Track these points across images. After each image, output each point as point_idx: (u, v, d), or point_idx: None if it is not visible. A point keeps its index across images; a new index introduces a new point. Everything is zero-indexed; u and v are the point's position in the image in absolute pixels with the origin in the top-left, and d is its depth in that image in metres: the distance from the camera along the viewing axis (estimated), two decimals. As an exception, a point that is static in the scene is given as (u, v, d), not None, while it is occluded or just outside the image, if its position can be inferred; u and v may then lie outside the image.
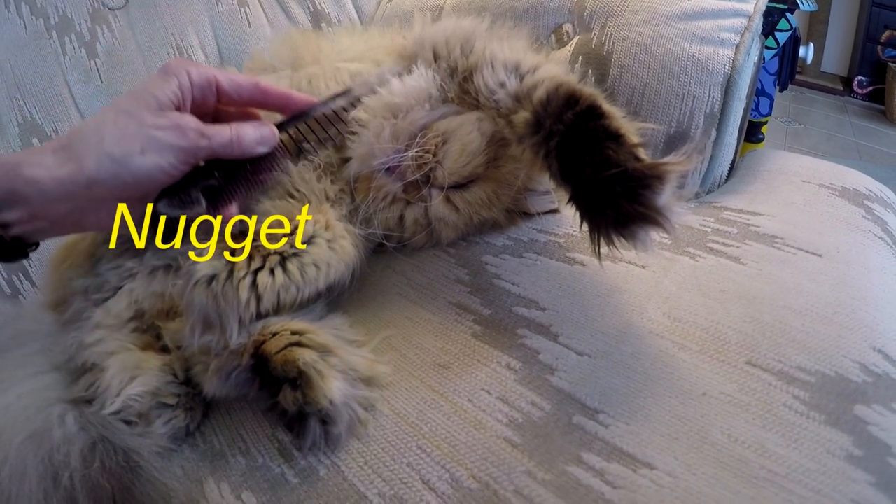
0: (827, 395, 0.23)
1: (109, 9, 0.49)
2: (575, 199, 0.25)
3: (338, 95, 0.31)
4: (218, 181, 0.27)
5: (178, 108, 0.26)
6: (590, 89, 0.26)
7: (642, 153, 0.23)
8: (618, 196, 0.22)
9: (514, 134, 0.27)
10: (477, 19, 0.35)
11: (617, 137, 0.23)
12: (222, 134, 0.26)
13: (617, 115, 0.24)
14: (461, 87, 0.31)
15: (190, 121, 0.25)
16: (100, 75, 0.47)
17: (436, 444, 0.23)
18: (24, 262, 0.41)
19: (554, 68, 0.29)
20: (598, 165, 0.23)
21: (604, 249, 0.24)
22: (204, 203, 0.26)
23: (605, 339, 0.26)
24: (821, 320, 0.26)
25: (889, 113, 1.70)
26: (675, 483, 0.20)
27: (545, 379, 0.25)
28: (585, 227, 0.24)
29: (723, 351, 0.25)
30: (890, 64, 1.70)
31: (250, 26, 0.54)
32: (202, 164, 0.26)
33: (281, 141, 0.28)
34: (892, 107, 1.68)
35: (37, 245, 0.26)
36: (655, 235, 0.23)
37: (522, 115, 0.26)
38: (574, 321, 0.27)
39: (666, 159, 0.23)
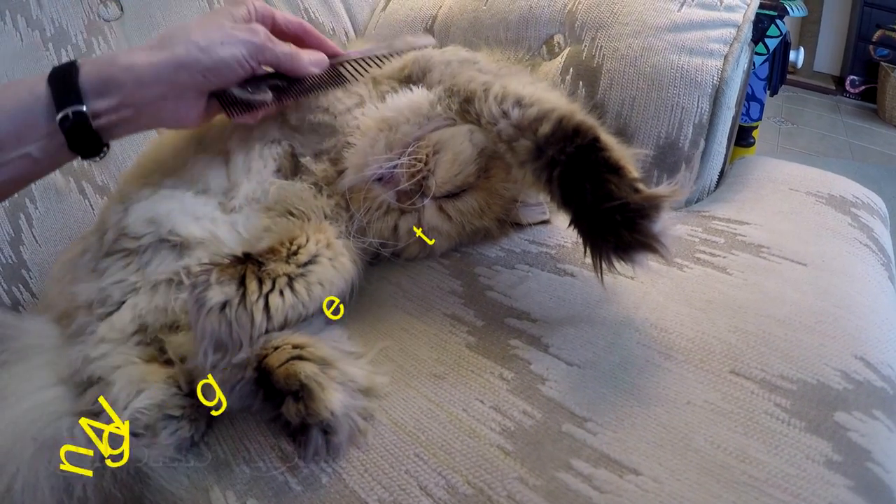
0: (808, 403, 0.24)
1: (105, 20, 0.49)
2: (576, 224, 0.26)
3: (375, 48, 0.37)
4: (282, 82, 0.32)
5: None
6: (591, 120, 0.27)
7: (641, 185, 0.25)
8: (618, 225, 0.24)
9: (516, 159, 0.28)
10: (477, 52, 0.38)
11: (617, 170, 0.25)
12: (283, 45, 0.31)
13: (616, 147, 0.26)
14: (462, 107, 0.32)
15: (260, 27, 0.30)
16: (97, 86, 0.47)
17: (432, 451, 0.24)
18: (24, 273, 0.42)
19: (555, 99, 0.29)
20: (599, 197, 0.24)
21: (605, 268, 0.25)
22: (270, 94, 0.31)
23: (594, 349, 0.27)
24: (804, 329, 0.27)
25: (881, 112, 1.72)
26: (659, 488, 0.21)
27: (536, 389, 0.26)
28: (588, 249, 0.26)
29: (707, 360, 0.26)
30: (882, 63, 1.72)
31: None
32: (269, 71, 0.32)
33: (332, 67, 0.34)
34: (884, 106, 1.70)
35: (107, 147, 0.29)
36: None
37: (524, 143, 0.27)
38: (564, 332, 0.28)
39: (661, 190, 0.24)
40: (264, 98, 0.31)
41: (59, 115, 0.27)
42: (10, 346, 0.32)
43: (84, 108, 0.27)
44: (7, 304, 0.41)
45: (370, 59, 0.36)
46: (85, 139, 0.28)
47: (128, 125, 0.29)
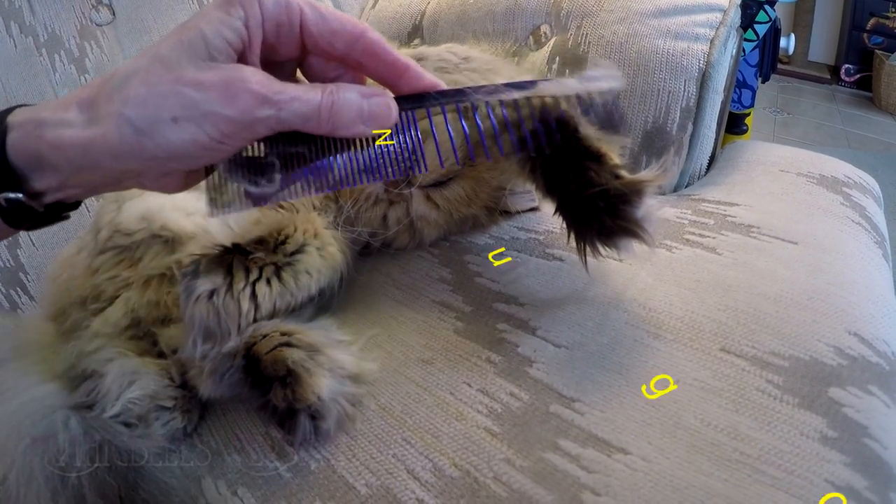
0: (801, 379, 0.23)
1: (97, 25, 0.50)
2: (561, 211, 0.27)
3: (508, 85, 0.21)
4: (308, 150, 0.19)
5: (242, 53, 0.18)
6: (573, 111, 0.27)
7: (622, 171, 0.25)
8: (600, 211, 0.24)
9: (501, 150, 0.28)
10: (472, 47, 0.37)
11: (598, 157, 0.25)
12: (304, 98, 0.17)
13: (595, 136, 0.26)
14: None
15: (248, 78, 0.17)
16: (90, 90, 0.48)
17: (420, 435, 0.24)
18: (22, 276, 0.43)
19: None
20: (581, 184, 0.25)
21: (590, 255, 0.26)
22: (277, 182, 0.18)
23: (582, 330, 0.27)
24: (795, 306, 0.27)
25: (877, 100, 1.71)
26: (648, 467, 0.21)
27: (524, 371, 0.26)
28: (572, 236, 0.26)
29: (697, 339, 0.26)
30: (876, 51, 1.71)
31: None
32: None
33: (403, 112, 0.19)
34: (879, 94, 1.69)
35: (77, 204, 0.21)
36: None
37: (506, 137, 0.27)
38: (552, 315, 0.28)
39: (643, 175, 0.25)
40: (264, 192, 0.19)
41: None
42: (6, 344, 0.32)
43: (20, 197, 0.18)
44: (6, 308, 0.41)
45: (500, 101, 0.21)
46: (32, 216, 0.20)
47: (88, 195, 0.21)
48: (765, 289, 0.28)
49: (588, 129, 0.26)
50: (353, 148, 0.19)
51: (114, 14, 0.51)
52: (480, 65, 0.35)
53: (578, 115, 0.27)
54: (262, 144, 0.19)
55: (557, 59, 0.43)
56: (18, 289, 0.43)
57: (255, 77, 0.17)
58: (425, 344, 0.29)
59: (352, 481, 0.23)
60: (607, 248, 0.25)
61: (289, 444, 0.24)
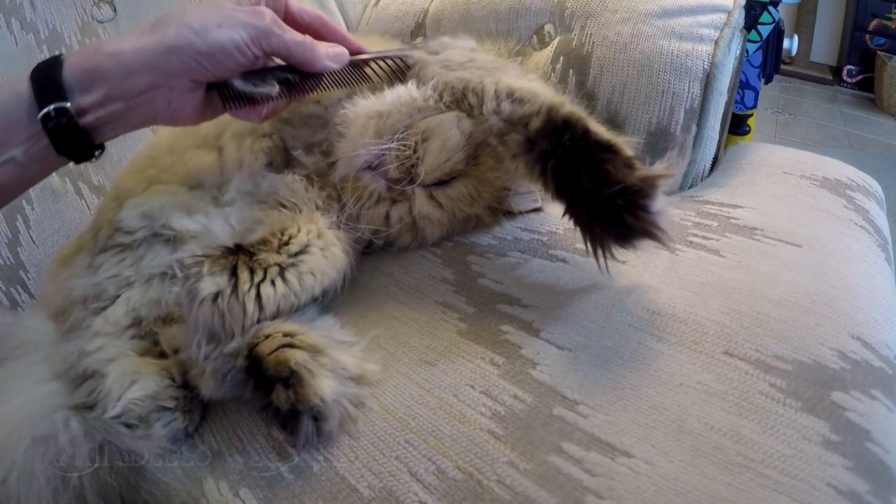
0: (804, 383, 0.23)
1: (98, 21, 0.50)
2: (572, 213, 0.26)
3: (400, 49, 0.34)
4: (293, 76, 0.28)
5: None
6: (580, 111, 0.27)
7: (636, 162, 0.25)
8: (619, 209, 0.24)
9: (508, 152, 0.28)
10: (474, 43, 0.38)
11: (610, 148, 0.25)
12: (295, 33, 0.27)
13: (606, 133, 0.26)
14: (455, 101, 0.32)
15: (267, 10, 0.27)
16: (91, 87, 0.48)
17: (422, 437, 0.24)
18: (22, 273, 0.43)
19: (544, 92, 0.29)
20: (597, 183, 0.24)
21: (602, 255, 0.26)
22: (276, 87, 0.27)
23: (586, 332, 0.27)
24: (799, 309, 0.27)
25: (879, 101, 1.71)
26: (651, 470, 0.21)
27: (527, 373, 0.26)
28: (587, 238, 0.26)
29: (700, 342, 0.26)
30: (878, 52, 1.71)
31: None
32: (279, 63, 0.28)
33: (351, 65, 0.30)
34: (881, 95, 1.69)
35: (102, 148, 0.27)
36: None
37: (515, 137, 0.28)
38: (555, 316, 0.28)
39: (655, 168, 0.24)
40: (268, 91, 0.27)
41: (41, 114, 0.24)
42: (7, 343, 0.32)
43: (67, 105, 0.24)
44: (6, 306, 0.41)
45: (396, 58, 0.33)
46: (72, 140, 0.25)
47: (119, 122, 0.26)
48: (768, 292, 0.28)
49: (596, 127, 0.26)
50: (321, 79, 0.30)
51: (115, 11, 0.50)
52: (484, 63, 0.35)
53: (586, 115, 0.27)
54: (263, 74, 0.28)
55: (561, 58, 0.43)
56: (18, 286, 0.42)
57: (271, 12, 0.27)
58: (428, 345, 0.29)
59: (354, 483, 0.23)
60: (623, 248, 0.25)
61: (291, 445, 0.24)
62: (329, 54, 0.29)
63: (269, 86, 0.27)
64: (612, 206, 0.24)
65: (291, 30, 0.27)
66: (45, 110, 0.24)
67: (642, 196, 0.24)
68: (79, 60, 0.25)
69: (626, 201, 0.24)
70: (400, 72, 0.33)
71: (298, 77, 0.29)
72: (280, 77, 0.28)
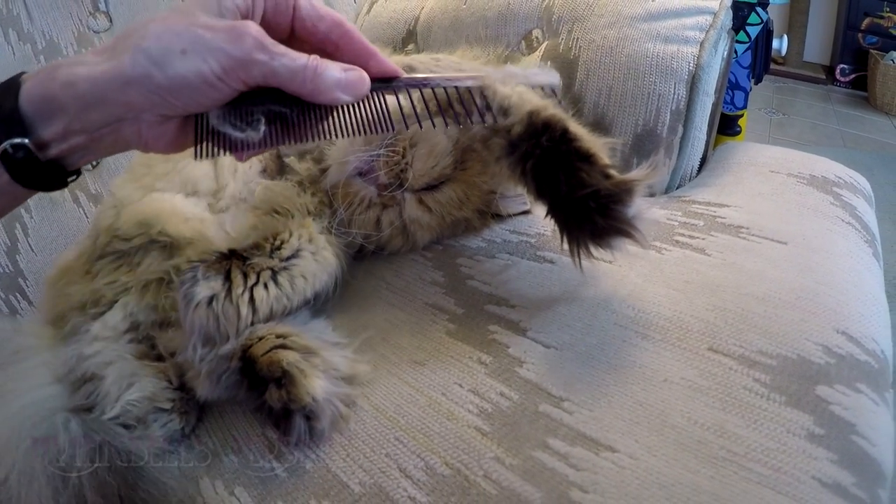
0: (788, 378, 0.23)
1: (94, 32, 0.50)
2: (552, 213, 0.27)
3: (458, 76, 0.25)
4: (292, 111, 0.21)
5: (245, 17, 0.21)
6: (560, 113, 0.27)
7: (612, 171, 0.25)
8: (592, 212, 0.24)
9: (491, 155, 0.29)
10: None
11: (588, 158, 0.25)
12: (293, 56, 0.20)
13: (586, 137, 0.27)
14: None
15: (251, 27, 0.20)
16: (89, 97, 0.49)
17: (412, 435, 0.24)
18: (21, 281, 0.43)
19: (525, 96, 0.28)
20: (572, 185, 0.25)
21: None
22: (261, 131, 0.21)
23: (571, 331, 0.28)
24: (784, 305, 0.27)
25: (872, 99, 1.72)
26: (635, 464, 0.21)
27: (514, 371, 0.26)
28: (564, 237, 0.26)
29: (685, 339, 0.26)
30: (871, 51, 1.72)
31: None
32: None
33: (374, 94, 0.22)
34: (874, 93, 1.70)
35: (77, 174, 0.23)
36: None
37: (497, 141, 0.28)
38: (542, 316, 0.29)
39: (633, 174, 0.25)
40: (249, 137, 0.21)
41: None
42: (7, 348, 0.33)
43: (26, 141, 0.20)
44: (5, 313, 0.42)
45: (448, 87, 0.24)
46: (36, 174, 0.21)
47: (87, 152, 0.22)
48: (753, 289, 0.29)
49: (578, 130, 0.27)
50: (328, 116, 0.22)
51: (111, 21, 0.51)
52: (448, 63, 0.35)
53: (567, 117, 0.27)
54: (250, 106, 0.22)
55: (549, 63, 0.43)
56: (17, 294, 0.43)
57: (257, 29, 0.21)
58: (418, 346, 0.29)
59: (346, 480, 0.23)
60: (600, 249, 0.25)
61: (284, 444, 0.25)
62: (341, 81, 0.21)
63: (252, 128, 0.21)
64: (586, 209, 0.24)
65: (286, 52, 0.21)
66: (3, 147, 0.20)
67: (615, 201, 0.24)
68: (35, 87, 0.21)
69: (598, 205, 0.24)
70: (454, 106, 0.24)
71: (298, 112, 0.22)
72: (273, 111, 0.21)
